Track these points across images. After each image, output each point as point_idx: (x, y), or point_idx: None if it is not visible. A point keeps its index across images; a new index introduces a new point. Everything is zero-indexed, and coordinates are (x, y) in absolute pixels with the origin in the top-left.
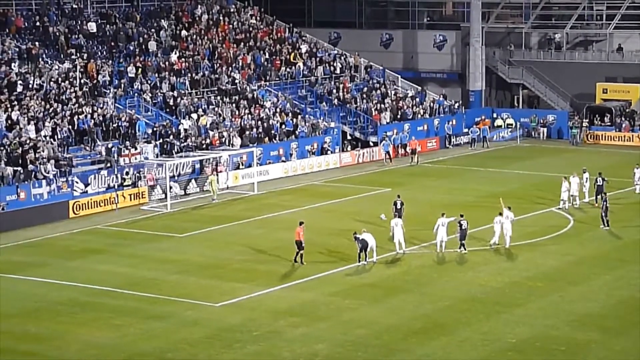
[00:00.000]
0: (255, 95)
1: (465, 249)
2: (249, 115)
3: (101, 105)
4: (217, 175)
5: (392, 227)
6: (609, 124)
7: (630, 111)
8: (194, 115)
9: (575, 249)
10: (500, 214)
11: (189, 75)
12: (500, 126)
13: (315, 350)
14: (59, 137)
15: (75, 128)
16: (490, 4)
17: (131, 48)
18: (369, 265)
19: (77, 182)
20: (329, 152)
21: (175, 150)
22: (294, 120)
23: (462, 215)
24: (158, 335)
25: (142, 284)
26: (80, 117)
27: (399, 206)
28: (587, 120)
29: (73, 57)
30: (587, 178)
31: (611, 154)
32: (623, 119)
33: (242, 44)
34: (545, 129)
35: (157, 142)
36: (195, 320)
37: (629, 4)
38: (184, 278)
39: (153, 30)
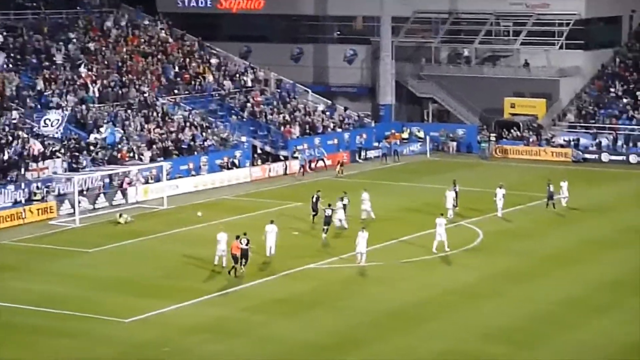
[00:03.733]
0: (164, 109)
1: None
2: (159, 129)
3: (11, 119)
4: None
5: (265, 232)
6: (517, 138)
7: (537, 125)
8: (103, 129)
9: (485, 263)
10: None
11: (98, 88)
12: (407, 139)
13: None
14: None
15: None
16: (400, 19)
17: (36, 61)
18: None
19: None
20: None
21: (84, 164)
22: (204, 134)
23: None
24: (70, 353)
25: (53, 301)
26: None
27: (314, 200)
28: (494, 135)
29: None
30: (503, 194)
31: (519, 168)
32: (530, 133)
33: (152, 57)
34: (455, 143)
35: (66, 156)
36: (107, 337)
37: (534, 20)
38: (94, 294)
39: (61, 42)
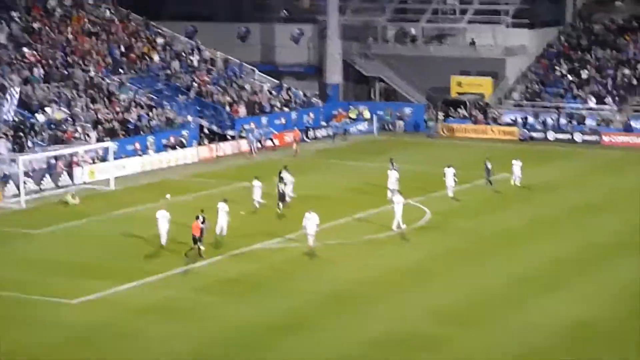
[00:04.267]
0: (110, 89)
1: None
2: (105, 109)
3: None
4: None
5: (217, 210)
6: (465, 116)
7: (484, 104)
8: (48, 110)
9: (432, 242)
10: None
11: (43, 68)
12: (355, 118)
13: (177, 348)
14: None
15: None
16: None
17: None
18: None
19: None
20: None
21: (29, 145)
22: (150, 113)
23: None
24: (14, 337)
25: None
26: None
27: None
28: (442, 114)
29: None
30: (454, 173)
31: (466, 147)
32: (477, 111)
33: (96, 37)
34: (402, 122)
35: (11, 137)
36: (53, 319)
37: None
38: (40, 276)
39: (3, 22)
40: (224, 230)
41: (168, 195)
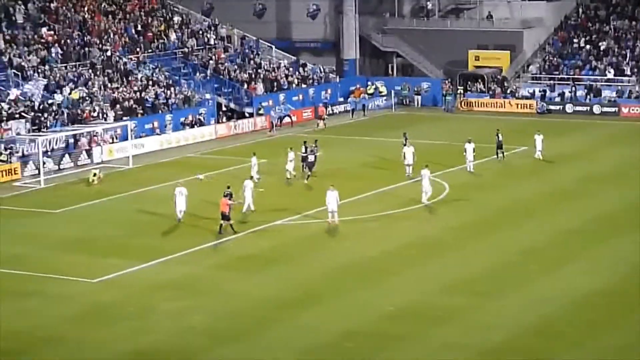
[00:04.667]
0: (127, 68)
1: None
2: (122, 88)
3: None
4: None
5: (243, 187)
6: (482, 90)
7: (502, 78)
8: (66, 89)
9: (451, 216)
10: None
11: (60, 48)
12: (372, 94)
13: (191, 323)
14: None
15: None
16: None
17: None
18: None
19: None
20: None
21: (48, 124)
22: (167, 92)
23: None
24: (31, 313)
25: (19, 262)
26: None
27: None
28: (462, 88)
29: None
30: (473, 148)
31: (484, 120)
32: (495, 85)
33: (113, 16)
34: (419, 97)
35: (30, 117)
36: (70, 297)
37: None
38: (61, 255)
39: (20, 2)
40: (251, 205)
41: (200, 175)
